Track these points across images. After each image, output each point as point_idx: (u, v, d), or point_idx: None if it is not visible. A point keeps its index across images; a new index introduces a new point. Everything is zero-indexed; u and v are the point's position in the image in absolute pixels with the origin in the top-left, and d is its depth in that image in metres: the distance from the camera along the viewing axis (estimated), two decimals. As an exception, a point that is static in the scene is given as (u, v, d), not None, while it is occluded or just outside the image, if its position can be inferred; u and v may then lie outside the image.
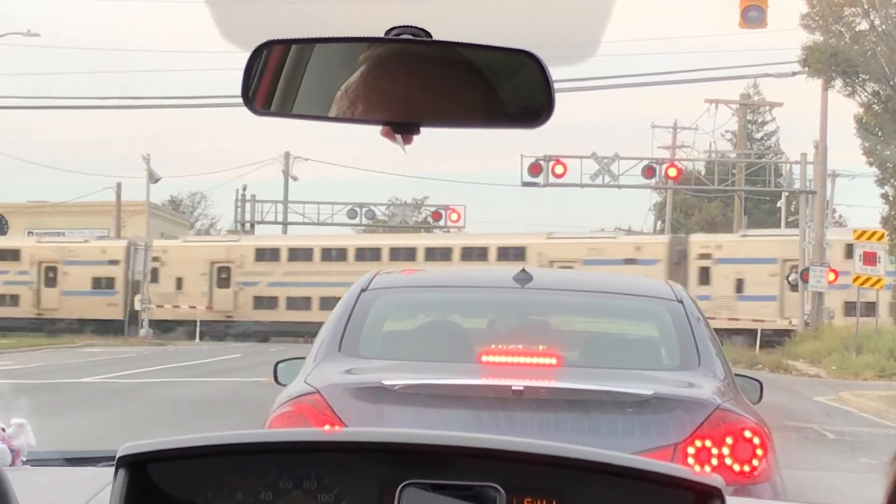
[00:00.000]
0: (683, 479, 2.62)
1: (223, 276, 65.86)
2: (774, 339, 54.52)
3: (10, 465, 3.82)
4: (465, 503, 2.62)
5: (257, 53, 2.68)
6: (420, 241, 66.37)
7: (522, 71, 2.66)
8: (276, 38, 2.73)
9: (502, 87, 2.66)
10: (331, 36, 2.64)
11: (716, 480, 2.63)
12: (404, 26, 2.51)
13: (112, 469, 2.66)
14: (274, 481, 2.65)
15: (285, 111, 2.71)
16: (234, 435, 2.67)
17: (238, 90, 2.68)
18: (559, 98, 2.67)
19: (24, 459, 3.93)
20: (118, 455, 2.62)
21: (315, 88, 2.69)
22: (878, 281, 43.72)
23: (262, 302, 65.10)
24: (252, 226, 71.81)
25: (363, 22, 2.65)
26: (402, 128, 2.60)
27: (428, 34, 2.54)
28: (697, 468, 6.09)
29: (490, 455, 2.63)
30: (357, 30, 2.57)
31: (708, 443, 6.19)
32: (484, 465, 2.62)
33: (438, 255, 62.08)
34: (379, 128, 2.63)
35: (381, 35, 2.54)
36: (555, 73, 2.67)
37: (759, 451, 6.24)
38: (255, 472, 2.65)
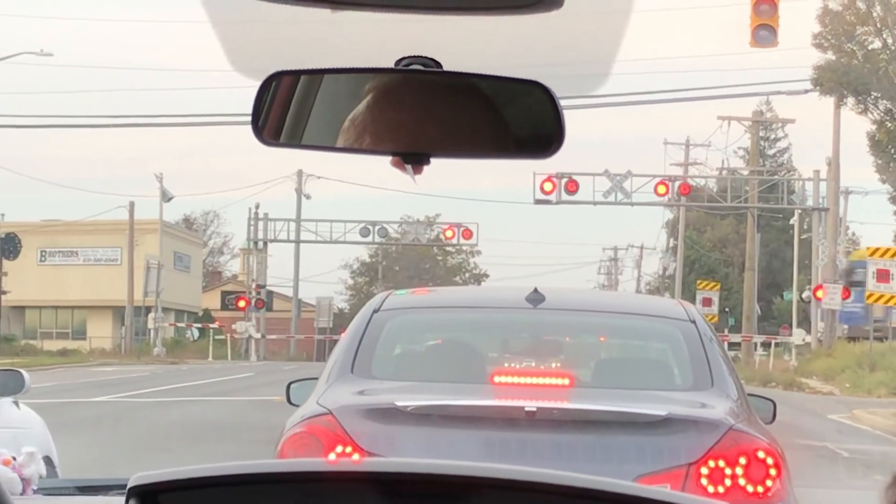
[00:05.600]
0: None
1: None
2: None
3: (21, 494, 3.78)
4: None
5: (267, 84, 2.67)
6: None
7: (532, 101, 2.64)
8: (286, 64, 2.72)
9: (512, 118, 2.65)
10: (341, 66, 2.63)
11: None
12: (414, 56, 2.50)
13: (122, 498, 2.64)
14: None
15: (294, 142, 2.70)
16: (247, 465, 2.65)
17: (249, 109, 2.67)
18: (573, 116, 2.68)
19: (35, 488, 3.90)
20: (129, 485, 2.60)
21: (325, 119, 2.68)
22: (892, 298, 43.58)
23: None
24: (265, 244, 71.79)
25: (374, 51, 2.64)
26: (412, 158, 2.59)
27: (438, 64, 2.53)
28: (711, 489, 6.07)
29: (508, 485, 2.61)
30: (368, 59, 2.56)
31: (721, 463, 6.17)
32: (501, 496, 2.60)
33: None
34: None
35: (392, 65, 2.53)
36: (568, 91, 2.66)
37: (773, 472, 6.22)
38: (269, 502, 2.63)
